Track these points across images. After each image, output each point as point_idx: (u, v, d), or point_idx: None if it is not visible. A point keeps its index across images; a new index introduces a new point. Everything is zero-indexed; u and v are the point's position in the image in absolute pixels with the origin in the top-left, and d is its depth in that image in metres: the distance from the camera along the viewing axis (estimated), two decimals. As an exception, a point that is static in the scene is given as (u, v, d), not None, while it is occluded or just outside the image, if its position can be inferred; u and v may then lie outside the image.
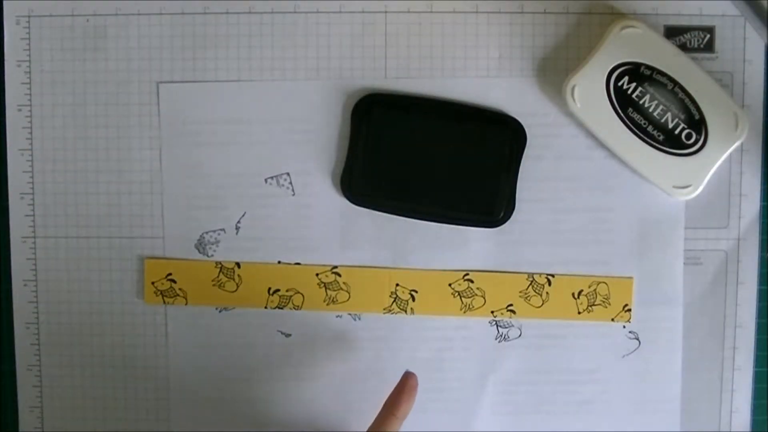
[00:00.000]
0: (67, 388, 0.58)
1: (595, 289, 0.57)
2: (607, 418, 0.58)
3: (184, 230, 0.57)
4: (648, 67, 0.54)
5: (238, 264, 0.57)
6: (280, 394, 0.58)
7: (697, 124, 0.54)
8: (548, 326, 0.57)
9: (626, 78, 0.54)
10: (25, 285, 0.58)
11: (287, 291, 0.57)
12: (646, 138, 0.55)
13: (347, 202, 0.56)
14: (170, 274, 0.57)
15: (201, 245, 0.57)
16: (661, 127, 0.54)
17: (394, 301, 0.57)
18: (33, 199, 0.57)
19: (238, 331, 0.57)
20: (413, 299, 0.57)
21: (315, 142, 0.56)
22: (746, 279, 0.57)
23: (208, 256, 0.57)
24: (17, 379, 0.58)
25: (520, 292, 0.57)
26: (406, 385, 0.52)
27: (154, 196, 0.57)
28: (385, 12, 0.56)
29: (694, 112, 0.54)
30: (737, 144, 0.55)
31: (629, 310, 0.57)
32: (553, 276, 0.57)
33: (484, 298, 0.57)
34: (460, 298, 0.57)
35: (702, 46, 0.56)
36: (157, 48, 0.56)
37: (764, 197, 0.57)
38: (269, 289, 0.57)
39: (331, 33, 0.56)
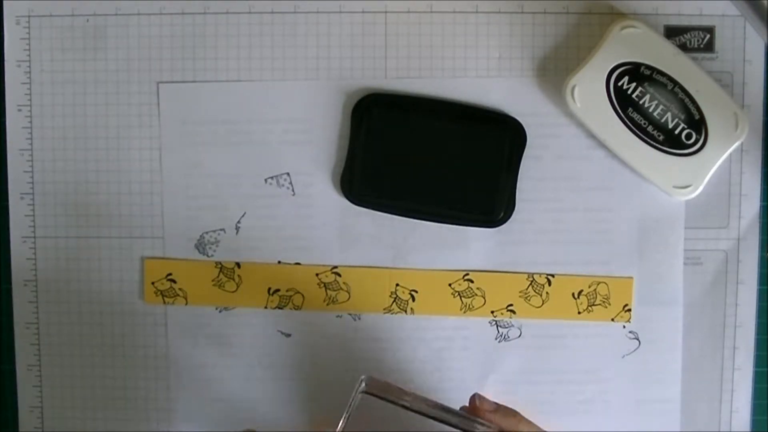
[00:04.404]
0: (67, 388, 0.58)
1: (595, 289, 0.57)
2: (607, 418, 0.57)
3: (184, 230, 0.57)
4: (648, 67, 0.54)
5: (238, 264, 0.57)
6: (280, 394, 0.58)
7: (697, 124, 0.54)
8: (548, 326, 0.57)
9: (626, 78, 0.54)
10: (25, 285, 0.58)
11: (287, 291, 0.57)
12: (646, 138, 0.55)
13: (347, 202, 0.56)
14: (170, 274, 0.57)
15: (201, 245, 0.57)
16: (661, 127, 0.54)
17: (394, 301, 0.57)
18: (33, 199, 0.57)
19: (238, 331, 0.57)
20: (413, 299, 0.57)
21: (315, 142, 0.56)
22: (746, 279, 0.57)
23: (208, 256, 0.57)
24: (17, 379, 0.58)
25: (520, 292, 0.57)
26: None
27: (154, 196, 0.57)
28: (385, 12, 0.56)
29: (694, 112, 0.54)
30: (737, 144, 0.55)
31: (629, 310, 0.57)
32: (553, 276, 0.57)
33: (484, 298, 0.57)
34: (460, 298, 0.57)
35: (702, 46, 0.56)
36: (157, 48, 0.56)
37: (764, 197, 0.57)
38: (269, 289, 0.57)
39: (331, 33, 0.56)
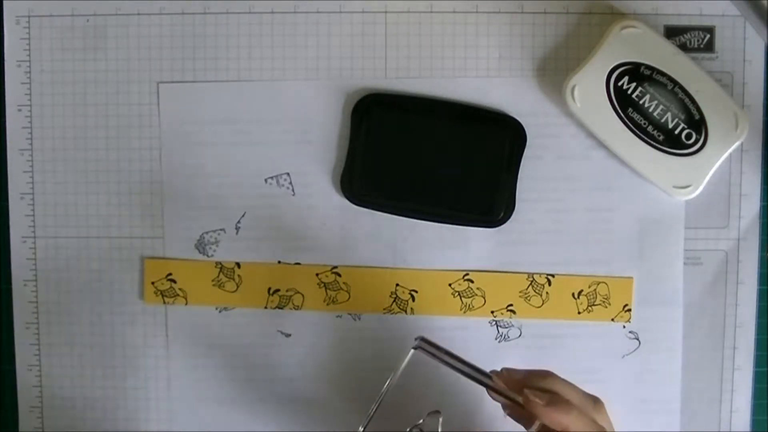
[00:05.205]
0: (67, 388, 0.58)
1: (595, 289, 0.57)
2: (607, 418, 0.57)
3: (184, 230, 0.57)
4: (648, 67, 0.54)
5: (238, 264, 0.57)
6: (280, 394, 0.58)
7: (697, 124, 0.54)
8: (548, 326, 0.57)
9: (626, 78, 0.54)
10: (25, 285, 0.58)
11: (287, 291, 0.57)
12: (646, 138, 0.55)
13: (347, 202, 0.56)
14: (170, 274, 0.57)
15: (201, 245, 0.57)
16: (661, 127, 0.54)
17: (394, 301, 0.57)
18: (33, 199, 0.57)
19: (238, 331, 0.57)
20: (413, 299, 0.57)
21: (315, 142, 0.56)
22: (746, 279, 0.57)
23: (208, 256, 0.57)
24: (17, 379, 0.58)
25: (520, 292, 0.57)
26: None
27: (154, 196, 0.57)
28: (385, 12, 0.56)
29: (694, 112, 0.54)
30: (737, 144, 0.55)
31: (629, 310, 0.57)
32: (553, 276, 0.57)
33: (484, 298, 0.57)
34: (460, 298, 0.57)
35: (702, 46, 0.56)
36: (157, 48, 0.56)
37: (764, 197, 0.57)
38: (269, 289, 0.57)
39: (331, 33, 0.56)
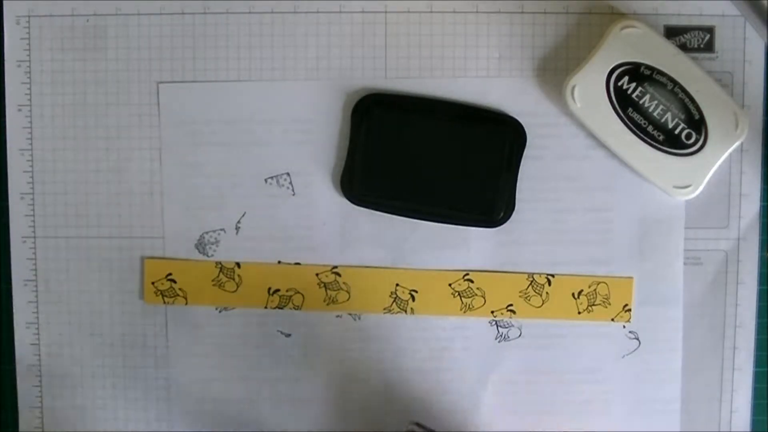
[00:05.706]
0: (68, 388, 0.58)
1: (595, 289, 0.57)
2: (607, 418, 0.58)
3: (184, 230, 0.57)
4: (648, 67, 0.54)
5: (238, 264, 0.57)
6: (280, 394, 0.58)
7: (697, 124, 0.54)
8: (548, 326, 0.57)
9: (626, 78, 0.54)
10: (25, 285, 0.58)
11: (287, 291, 0.57)
12: (646, 138, 0.55)
13: (347, 202, 0.56)
14: (170, 274, 0.57)
15: (201, 245, 0.57)
16: (661, 127, 0.54)
17: (394, 301, 0.57)
18: (33, 199, 0.57)
19: (238, 331, 0.57)
20: (413, 299, 0.57)
21: (315, 142, 0.56)
22: (746, 279, 0.57)
23: (208, 256, 0.57)
24: (17, 379, 0.58)
25: (520, 292, 0.57)
26: None
27: (154, 196, 0.57)
28: (385, 12, 0.56)
29: (694, 112, 0.54)
30: (737, 144, 0.55)
31: (629, 310, 0.57)
32: (553, 276, 0.57)
33: (484, 298, 0.57)
34: (460, 298, 0.57)
35: (702, 46, 0.56)
36: (157, 48, 0.56)
37: (764, 197, 0.57)
38: (269, 289, 0.57)
39: (331, 33, 0.56)
